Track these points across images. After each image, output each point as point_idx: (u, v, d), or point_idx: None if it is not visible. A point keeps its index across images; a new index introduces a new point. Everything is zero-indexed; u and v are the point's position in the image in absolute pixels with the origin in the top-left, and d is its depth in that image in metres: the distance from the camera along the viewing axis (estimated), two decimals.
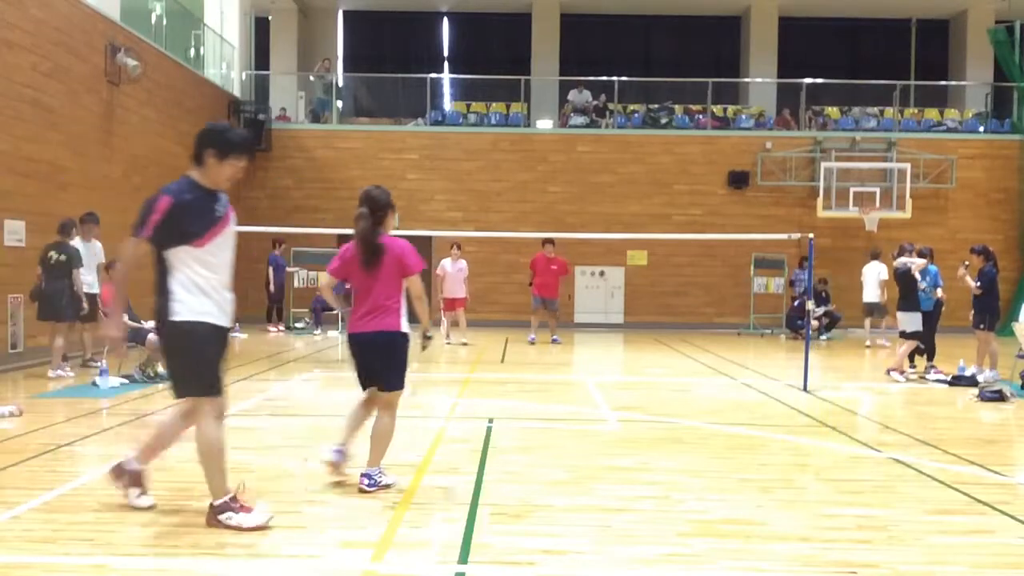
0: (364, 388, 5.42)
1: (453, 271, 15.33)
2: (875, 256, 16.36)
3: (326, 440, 6.72)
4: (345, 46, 24.92)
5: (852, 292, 20.10)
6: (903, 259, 11.38)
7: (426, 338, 5.50)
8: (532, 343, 15.87)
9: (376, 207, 5.20)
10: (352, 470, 5.42)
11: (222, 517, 4.46)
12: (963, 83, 23.52)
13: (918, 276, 11.22)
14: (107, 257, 11.02)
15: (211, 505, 4.53)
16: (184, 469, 5.80)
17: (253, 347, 15.04)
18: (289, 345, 15.42)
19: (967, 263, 11.52)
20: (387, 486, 5.24)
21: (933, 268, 12.34)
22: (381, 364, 5.24)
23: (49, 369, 10.44)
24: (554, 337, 16.18)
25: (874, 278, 16.01)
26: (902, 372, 11.29)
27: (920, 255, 11.56)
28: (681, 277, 20.55)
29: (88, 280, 10.72)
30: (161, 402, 8.62)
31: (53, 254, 10.40)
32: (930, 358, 11.94)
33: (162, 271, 4.50)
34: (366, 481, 5.20)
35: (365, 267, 5.17)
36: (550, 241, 16.03)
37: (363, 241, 5.17)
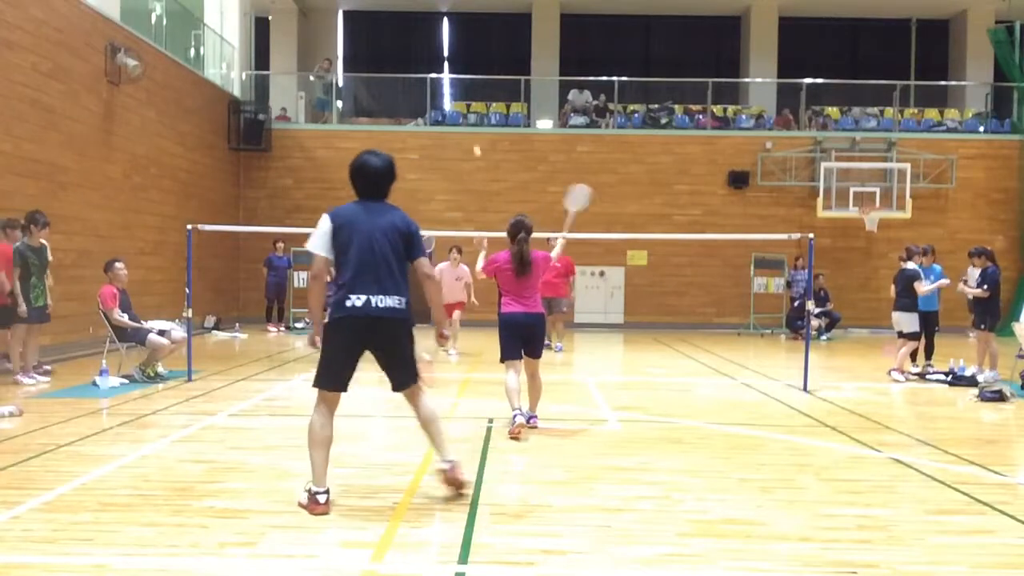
0: (518, 357, 7.26)
1: (450, 279, 14.16)
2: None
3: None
4: (345, 46, 24.93)
5: (851, 292, 20.17)
6: (913, 265, 11.50)
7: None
8: (558, 350, 14.74)
9: (529, 232, 7.29)
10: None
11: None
12: (963, 83, 23.52)
13: (924, 286, 11.36)
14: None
15: None
16: (184, 469, 5.80)
17: (253, 347, 15.04)
18: (289, 345, 15.42)
19: (965, 278, 11.59)
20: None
21: (937, 267, 12.41)
22: (537, 338, 7.34)
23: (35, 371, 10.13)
24: (557, 344, 14.98)
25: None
26: (903, 372, 11.32)
27: (923, 253, 11.80)
28: (681, 277, 20.55)
29: None
30: (161, 402, 8.62)
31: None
32: (928, 356, 12.24)
33: None
34: (535, 420, 7.33)
35: (518, 274, 7.21)
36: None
37: (520, 255, 7.14)
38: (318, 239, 4.95)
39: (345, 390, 5.04)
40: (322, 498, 4.87)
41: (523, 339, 7.26)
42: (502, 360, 7.32)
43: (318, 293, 5.06)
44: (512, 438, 6.91)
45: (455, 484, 5.11)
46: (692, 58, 24.65)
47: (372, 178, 5.10)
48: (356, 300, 4.84)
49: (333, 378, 4.96)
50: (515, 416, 7.04)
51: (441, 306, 5.23)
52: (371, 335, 4.92)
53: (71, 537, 4.37)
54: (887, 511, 5.02)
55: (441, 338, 5.31)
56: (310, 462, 4.95)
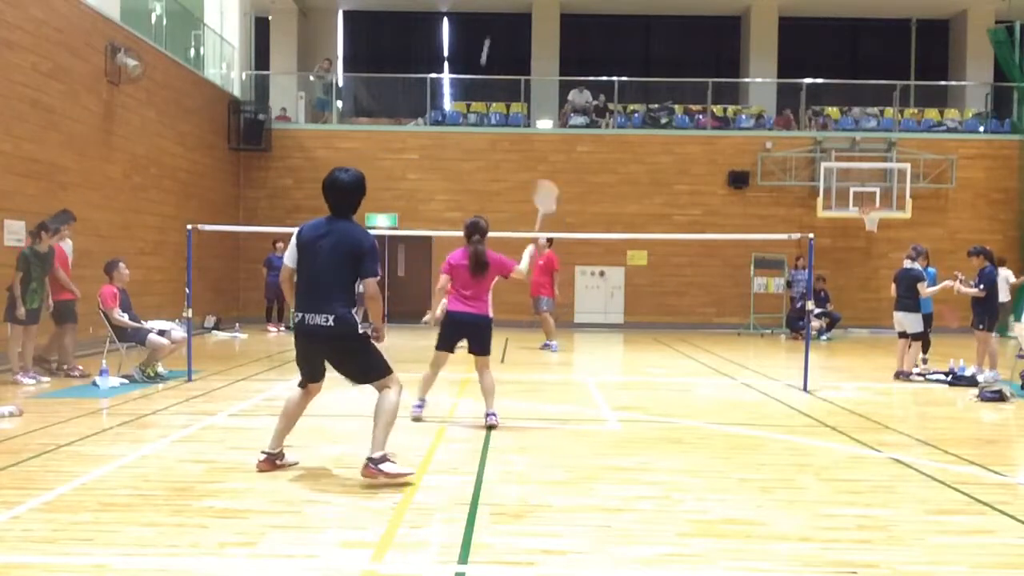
0: (448, 351, 7.63)
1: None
2: (1001, 263, 16.38)
3: (326, 440, 6.74)
4: (345, 46, 24.92)
5: (851, 292, 20.17)
6: (918, 266, 11.52)
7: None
8: (553, 350, 14.59)
9: (484, 234, 7.41)
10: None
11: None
12: (963, 83, 23.52)
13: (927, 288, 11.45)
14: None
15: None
16: (184, 469, 5.80)
17: (253, 347, 15.04)
18: (289, 345, 15.35)
19: (960, 276, 11.59)
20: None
21: (932, 270, 12.41)
22: (479, 337, 7.46)
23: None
24: (547, 343, 14.74)
25: (1003, 282, 15.95)
26: (914, 371, 11.35)
27: (926, 255, 11.93)
28: (681, 277, 20.54)
29: None
30: (161, 402, 8.62)
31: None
32: (925, 351, 12.36)
33: None
34: (493, 418, 7.33)
35: (473, 273, 7.34)
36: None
37: (476, 256, 7.33)
38: (288, 251, 5.62)
39: (316, 381, 5.75)
40: (262, 456, 5.73)
41: (466, 337, 7.54)
42: (436, 348, 7.70)
43: (288, 295, 5.78)
44: (414, 419, 7.52)
45: (368, 475, 5.39)
46: (692, 58, 24.64)
47: (338, 194, 5.52)
48: (297, 316, 5.51)
49: (302, 373, 5.77)
50: (415, 407, 7.67)
51: (380, 320, 5.54)
52: (313, 346, 5.54)
53: (71, 537, 4.37)
54: (887, 511, 5.02)
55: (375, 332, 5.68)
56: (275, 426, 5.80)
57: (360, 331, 5.42)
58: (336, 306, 5.35)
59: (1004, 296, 15.80)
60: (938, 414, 8.83)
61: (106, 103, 13.98)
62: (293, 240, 5.59)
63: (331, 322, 5.34)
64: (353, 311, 5.43)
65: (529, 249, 7.99)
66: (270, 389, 9.70)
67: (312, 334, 5.43)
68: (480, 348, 7.52)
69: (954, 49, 24.25)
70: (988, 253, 11.48)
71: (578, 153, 20.61)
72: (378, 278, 5.47)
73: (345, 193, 5.51)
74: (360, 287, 5.47)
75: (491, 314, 7.53)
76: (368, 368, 5.55)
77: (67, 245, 11.00)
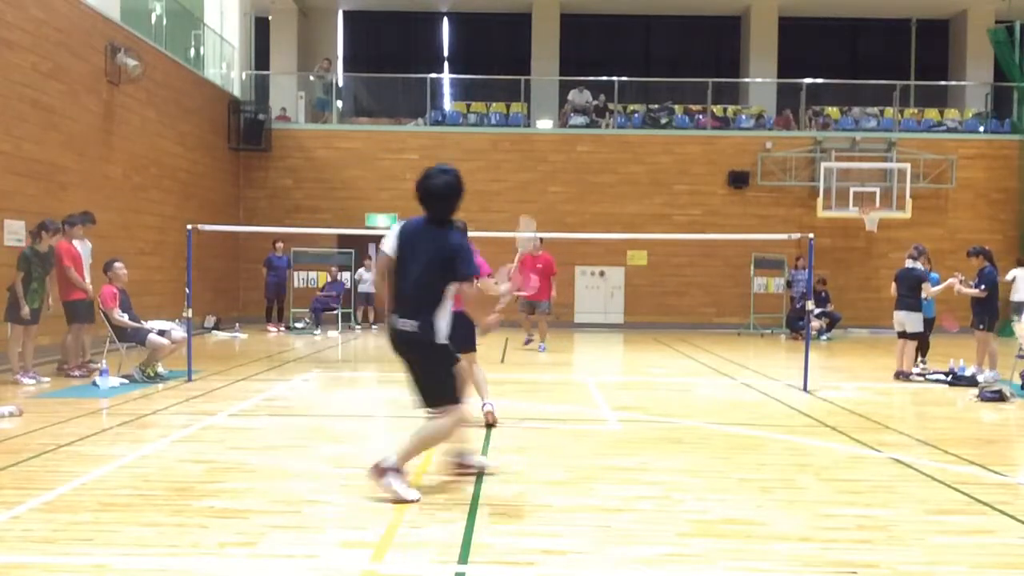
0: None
1: None
2: (1020, 263, 16.26)
3: (326, 440, 6.75)
4: (345, 46, 24.93)
5: (851, 292, 20.18)
6: (919, 266, 11.50)
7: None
8: (528, 344, 15.11)
9: None
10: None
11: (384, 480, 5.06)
12: (963, 83, 23.52)
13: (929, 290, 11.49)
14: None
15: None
16: (184, 469, 5.80)
17: (253, 347, 15.04)
18: (289, 345, 15.41)
19: (961, 276, 11.59)
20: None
21: (934, 275, 12.40)
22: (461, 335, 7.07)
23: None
24: (541, 344, 15.04)
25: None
26: (914, 371, 11.34)
27: (928, 257, 11.98)
28: (681, 277, 20.55)
29: None
30: (161, 402, 8.62)
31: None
32: (923, 353, 12.36)
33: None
34: (490, 407, 7.40)
35: None
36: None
37: None
38: (388, 240, 5.25)
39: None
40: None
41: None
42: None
43: (382, 288, 5.68)
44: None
45: (372, 477, 5.11)
46: (692, 58, 24.65)
47: (431, 198, 5.18)
48: (389, 318, 5.26)
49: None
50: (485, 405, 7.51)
51: (479, 316, 5.67)
52: (397, 347, 5.26)
53: (71, 537, 4.37)
54: (887, 511, 5.02)
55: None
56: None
57: (439, 341, 5.13)
58: (421, 312, 5.09)
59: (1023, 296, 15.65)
60: (938, 414, 8.83)
61: (106, 103, 13.98)
62: (395, 230, 5.25)
63: (415, 328, 5.08)
64: (437, 318, 5.13)
65: (504, 288, 7.72)
66: (270, 389, 9.70)
67: (395, 338, 5.21)
68: (462, 346, 7.53)
69: (954, 49, 24.25)
70: (988, 253, 11.47)
71: (578, 153, 20.61)
72: (471, 279, 5.08)
73: (439, 199, 5.15)
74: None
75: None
76: (437, 386, 5.20)
77: (85, 246, 11.04)
